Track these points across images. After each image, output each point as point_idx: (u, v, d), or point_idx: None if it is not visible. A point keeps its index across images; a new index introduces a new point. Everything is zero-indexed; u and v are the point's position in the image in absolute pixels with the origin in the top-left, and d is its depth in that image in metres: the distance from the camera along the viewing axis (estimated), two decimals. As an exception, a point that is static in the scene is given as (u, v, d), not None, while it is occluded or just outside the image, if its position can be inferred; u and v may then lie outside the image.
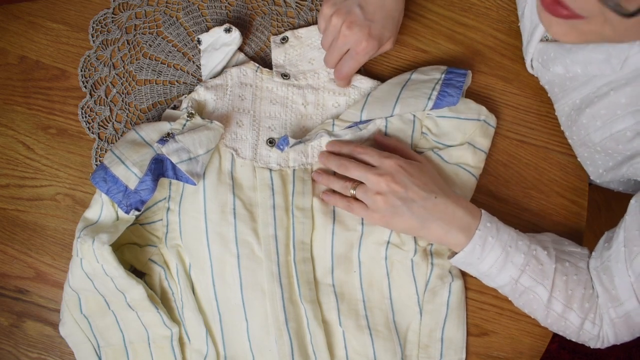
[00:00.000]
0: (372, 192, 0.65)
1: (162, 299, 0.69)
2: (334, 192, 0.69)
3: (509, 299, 0.69)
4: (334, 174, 0.70)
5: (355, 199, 0.67)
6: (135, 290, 0.65)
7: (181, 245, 0.69)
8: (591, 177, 0.74)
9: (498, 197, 0.75)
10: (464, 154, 0.72)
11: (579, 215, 0.76)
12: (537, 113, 0.77)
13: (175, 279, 0.69)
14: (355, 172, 0.66)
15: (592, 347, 0.68)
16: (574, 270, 0.65)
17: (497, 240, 0.64)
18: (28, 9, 0.75)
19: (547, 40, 0.70)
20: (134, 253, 0.69)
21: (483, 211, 0.67)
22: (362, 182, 0.66)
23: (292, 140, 0.69)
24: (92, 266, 0.64)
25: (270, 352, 0.68)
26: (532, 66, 0.74)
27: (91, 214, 0.66)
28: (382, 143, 0.71)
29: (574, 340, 0.68)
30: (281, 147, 0.70)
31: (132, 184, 0.63)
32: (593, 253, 0.67)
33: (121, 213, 0.65)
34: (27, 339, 0.71)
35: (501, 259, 0.64)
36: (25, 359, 0.71)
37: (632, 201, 0.63)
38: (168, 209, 0.69)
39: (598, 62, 0.62)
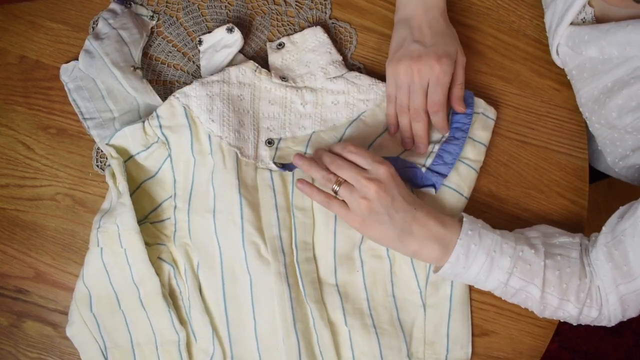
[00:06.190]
0: (358, 195, 0.63)
1: (170, 298, 0.69)
2: (312, 183, 0.67)
3: (503, 299, 0.69)
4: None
5: (334, 195, 0.65)
6: (152, 282, 0.66)
7: (189, 245, 0.69)
8: (610, 160, 0.73)
9: (498, 197, 0.75)
10: (464, 147, 0.72)
11: (579, 215, 0.76)
12: (537, 113, 0.77)
13: (183, 277, 0.69)
14: (346, 173, 0.63)
15: (597, 325, 0.68)
16: (566, 262, 0.65)
17: (481, 247, 0.64)
18: (28, 9, 0.75)
19: (583, 22, 0.69)
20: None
21: (465, 219, 0.66)
22: (346, 181, 0.64)
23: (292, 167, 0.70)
24: (114, 254, 0.65)
25: (277, 352, 0.68)
26: (557, 52, 0.73)
27: (106, 204, 0.68)
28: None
29: (574, 324, 0.69)
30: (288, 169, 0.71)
31: None
32: (603, 228, 0.67)
33: (121, 187, 0.66)
34: (26, 339, 0.71)
35: (487, 264, 0.64)
36: (24, 359, 0.71)
37: None
38: (175, 207, 0.69)
39: (638, 42, 0.62)
